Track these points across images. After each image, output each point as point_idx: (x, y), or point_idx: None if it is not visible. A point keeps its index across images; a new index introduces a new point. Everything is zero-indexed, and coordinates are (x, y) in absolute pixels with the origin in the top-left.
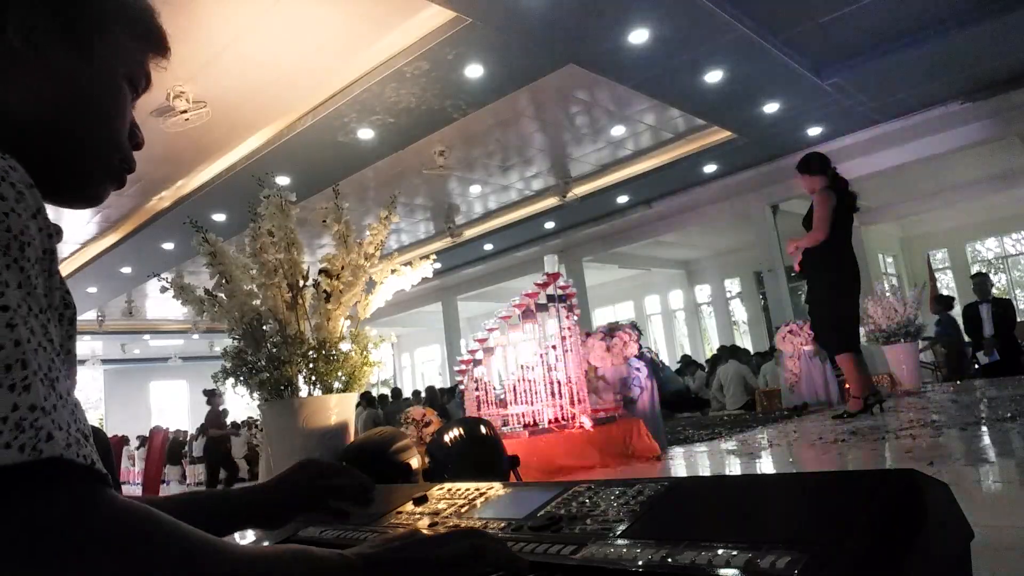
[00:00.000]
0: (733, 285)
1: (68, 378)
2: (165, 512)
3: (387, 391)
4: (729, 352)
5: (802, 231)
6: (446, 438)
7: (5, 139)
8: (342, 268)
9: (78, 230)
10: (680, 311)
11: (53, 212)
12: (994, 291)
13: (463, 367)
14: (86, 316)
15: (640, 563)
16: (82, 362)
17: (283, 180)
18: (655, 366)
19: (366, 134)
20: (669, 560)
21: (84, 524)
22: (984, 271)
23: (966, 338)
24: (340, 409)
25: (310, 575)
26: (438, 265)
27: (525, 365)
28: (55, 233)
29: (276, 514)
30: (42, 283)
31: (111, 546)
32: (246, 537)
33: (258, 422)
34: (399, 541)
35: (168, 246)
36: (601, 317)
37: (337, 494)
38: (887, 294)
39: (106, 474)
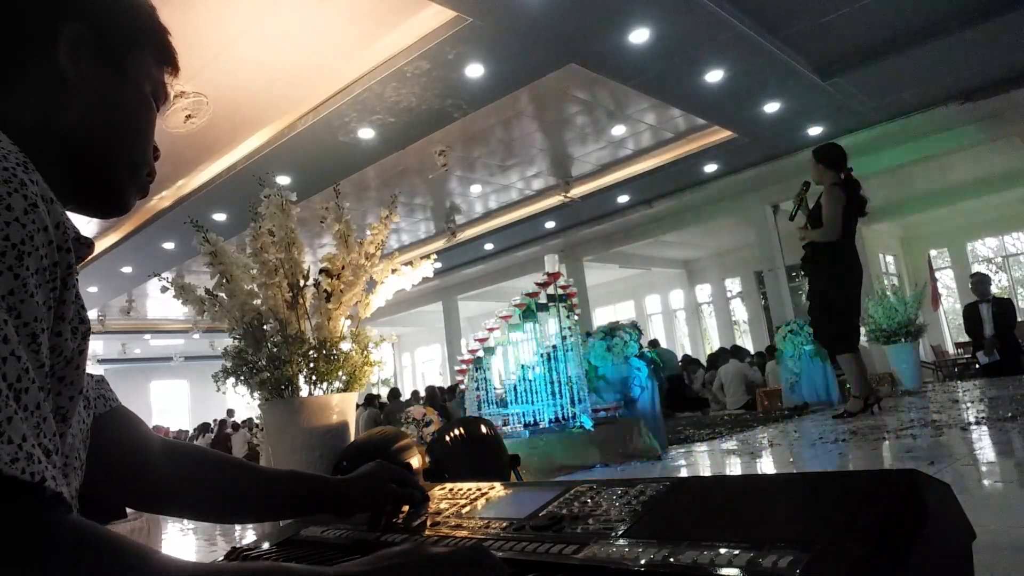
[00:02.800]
0: (733, 285)
1: (58, 394)
2: (267, 481)
3: (386, 390)
4: (729, 352)
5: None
6: (447, 438)
7: (52, 156)
8: (343, 268)
9: (79, 230)
10: (681, 311)
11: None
12: (995, 291)
13: (464, 367)
14: None
15: (642, 563)
16: None
17: (284, 180)
18: (656, 365)
19: (367, 134)
20: (671, 560)
21: (24, 549)
22: (984, 271)
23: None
24: (340, 409)
25: None
26: (438, 265)
27: (526, 365)
28: (75, 247)
29: (350, 505)
30: (43, 294)
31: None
32: (246, 537)
33: (258, 422)
34: (393, 559)
35: (169, 246)
36: (602, 317)
37: (398, 501)
38: (888, 294)
39: (60, 493)
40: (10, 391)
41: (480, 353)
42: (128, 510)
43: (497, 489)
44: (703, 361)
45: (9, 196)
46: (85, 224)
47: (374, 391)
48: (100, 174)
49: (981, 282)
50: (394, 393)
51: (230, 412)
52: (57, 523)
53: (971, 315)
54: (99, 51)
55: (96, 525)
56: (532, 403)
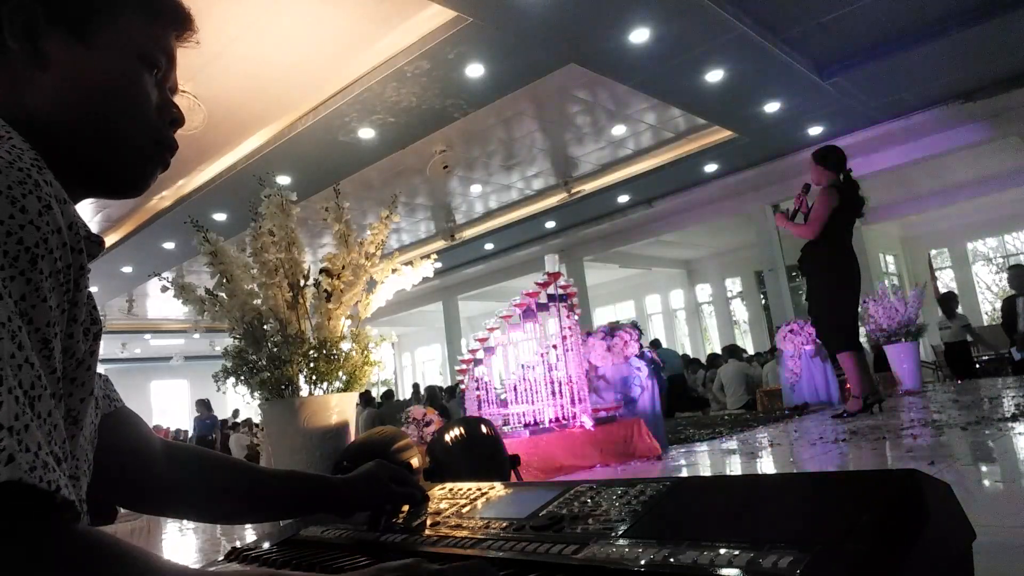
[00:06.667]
0: (734, 285)
1: (69, 395)
2: (267, 481)
3: (380, 389)
4: (728, 352)
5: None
6: (447, 437)
7: (41, 142)
8: (343, 267)
9: (89, 227)
10: (681, 311)
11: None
12: (995, 292)
13: (464, 366)
14: None
15: (642, 563)
16: None
17: (284, 179)
18: (656, 365)
19: (367, 133)
20: (671, 560)
21: (36, 558)
22: (1020, 263)
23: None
24: (340, 409)
25: None
26: (439, 264)
27: (526, 364)
28: (86, 246)
29: (350, 505)
30: (57, 297)
31: None
32: (247, 537)
33: (258, 422)
34: (394, 572)
35: (169, 245)
36: (602, 317)
37: (396, 500)
38: (889, 295)
39: (72, 501)
40: (25, 398)
41: (480, 354)
42: (120, 509)
43: (497, 489)
44: (703, 361)
45: (23, 198)
46: (87, 221)
47: (372, 391)
48: (93, 152)
49: (1019, 275)
50: (387, 395)
51: (235, 412)
52: (67, 531)
53: (1008, 309)
54: (56, 23)
55: (103, 532)
56: (532, 403)
